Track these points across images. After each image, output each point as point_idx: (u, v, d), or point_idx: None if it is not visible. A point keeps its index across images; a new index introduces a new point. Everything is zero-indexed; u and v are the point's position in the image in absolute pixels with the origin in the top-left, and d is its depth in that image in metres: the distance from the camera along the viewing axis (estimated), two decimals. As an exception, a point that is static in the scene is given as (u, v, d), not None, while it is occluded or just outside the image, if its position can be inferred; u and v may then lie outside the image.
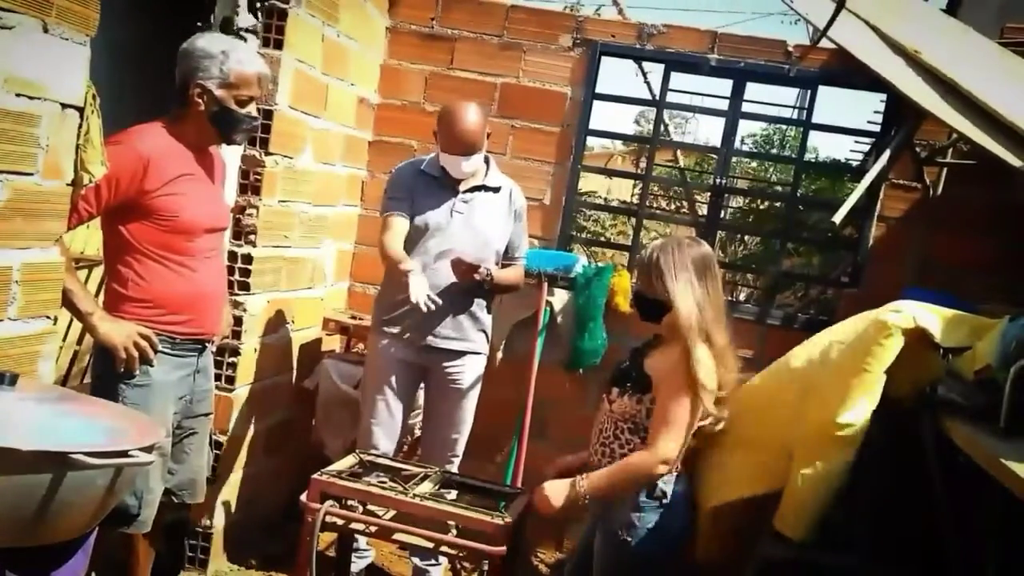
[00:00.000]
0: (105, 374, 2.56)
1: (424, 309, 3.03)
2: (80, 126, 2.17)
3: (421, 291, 3.03)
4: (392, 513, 2.59)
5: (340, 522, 2.58)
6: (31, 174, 2.00)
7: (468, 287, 3.26)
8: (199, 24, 3.17)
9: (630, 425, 2.45)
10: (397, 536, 2.62)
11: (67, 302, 2.36)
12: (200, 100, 2.58)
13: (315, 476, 2.57)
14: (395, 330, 3.34)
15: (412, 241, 3.31)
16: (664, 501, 2.40)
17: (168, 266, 2.57)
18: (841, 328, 2.92)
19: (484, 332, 3.44)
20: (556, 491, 2.41)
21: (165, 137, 2.59)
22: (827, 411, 2.66)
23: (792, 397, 2.86)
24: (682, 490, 2.46)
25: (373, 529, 2.60)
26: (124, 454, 1.74)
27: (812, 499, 2.64)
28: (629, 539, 2.38)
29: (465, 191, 3.32)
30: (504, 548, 2.41)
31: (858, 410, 2.63)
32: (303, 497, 2.54)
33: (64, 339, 3.66)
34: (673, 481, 2.42)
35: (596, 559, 2.47)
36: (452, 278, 3.23)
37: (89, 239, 3.70)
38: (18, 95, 1.92)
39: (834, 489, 2.63)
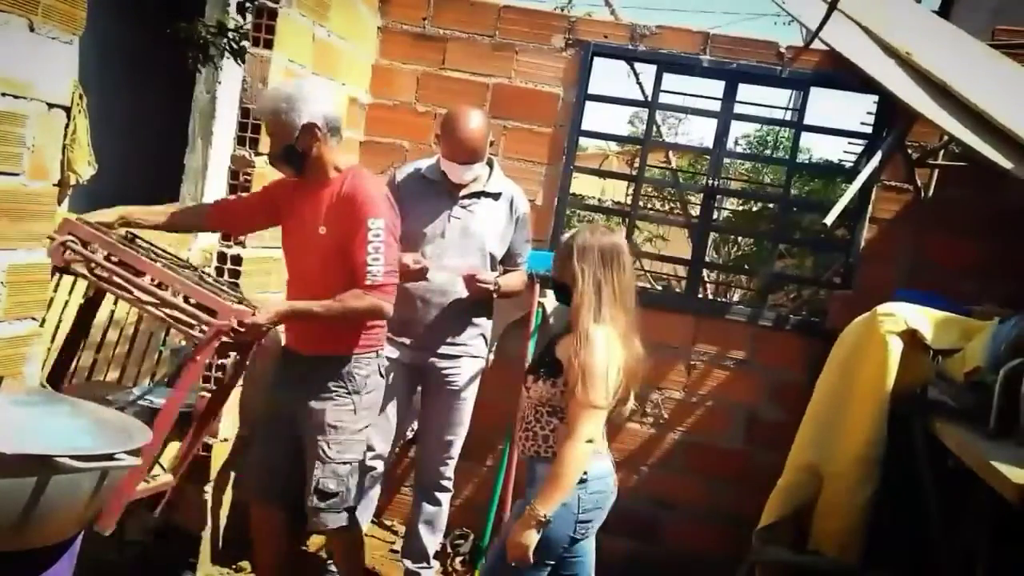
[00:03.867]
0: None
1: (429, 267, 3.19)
2: (67, 126, 2.16)
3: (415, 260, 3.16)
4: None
5: (80, 262, 2.47)
6: (17, 174, 1.98)
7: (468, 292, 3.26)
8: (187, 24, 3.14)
9: (548, 408, 2.51)
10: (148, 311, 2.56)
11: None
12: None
13: (68, 218, 2.52)
14: (394, 333, 3.33)
15: (408, 246, 3.31)
16: (584, 477, 2.44)
17: None
18: (846, 349, 3.01)
19: (483, 336, 3.43)
20: (520, 536, 2.39)
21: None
22: (859, 435, 2.78)
23: (813, 417, 2.99)
24: (599, 471, 2.50)
25: (105, 274, 2.49)
26: (110, 457, 1.73)
27: (861, 520, 2.77)
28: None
29: (464, 197, 3.31)
30: (228, 323, 2.43)
31: (881, 427, 2.72)
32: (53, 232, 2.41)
33: (52, 341, 3.64)
34: (594, 459, 2.47)
35: (505, 527, 2.52)
36: (449, 282, 3.24)
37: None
38: (3, 94, 1.91)
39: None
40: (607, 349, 2.40)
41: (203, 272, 2.92)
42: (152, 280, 2.47)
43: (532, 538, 2.37)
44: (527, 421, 2.57)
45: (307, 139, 2.71)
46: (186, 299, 2.46)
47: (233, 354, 2.94)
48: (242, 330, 2.49)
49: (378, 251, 2.67)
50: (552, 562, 2.51)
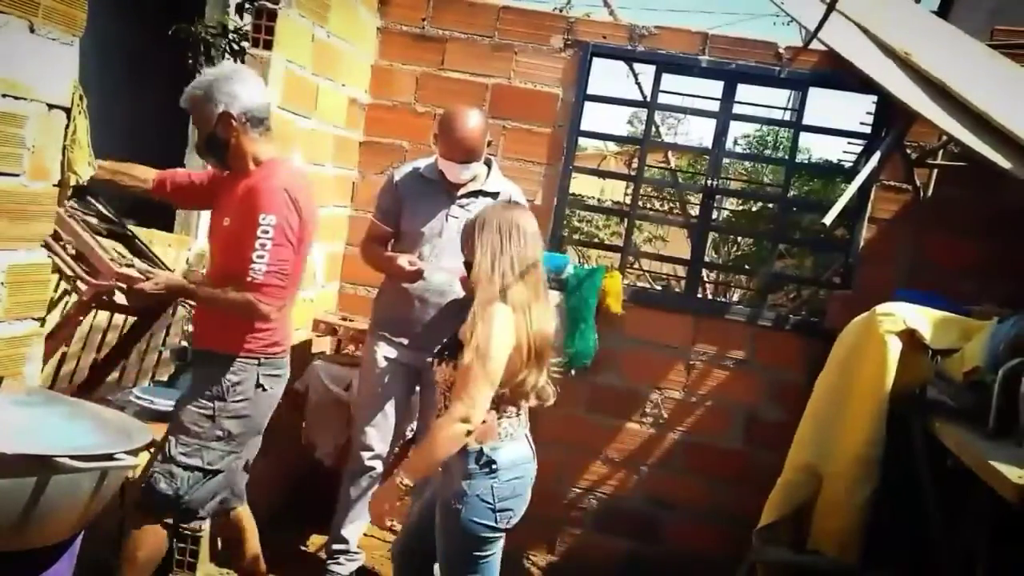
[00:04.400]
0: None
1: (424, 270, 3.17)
2: (67, 127, 2.17)
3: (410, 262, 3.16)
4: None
5: None
6: (17, 175, 1.99)
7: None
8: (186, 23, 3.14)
9: (450, 392, 2.48)
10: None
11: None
12: None
13: None
14: (392, 333, 3.33)
15: (405, 245, 3.31)
16: (493, 467, 2.41)
17: None
18: (845, 348, 3.02)
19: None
20: (382, 496, 2.43)
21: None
22: (858, 434, 2.78)
23: (812, 416, 3.00)
24: (513, 457, 2.46)
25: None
26: (110, 457, 1.73)
27: (860, 520, 2.77)
28: (459, 507, 2.40)
29: (462, 196, 3.31)
30: (108, 283, 2.49)
31: (881, 427, 2.77)
32: None
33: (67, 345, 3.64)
34: (502, 448, 2.44)
35: (436, 531, 2.50)
36: (446, 282, 3.24)
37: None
38: (4, 95, 1.91)
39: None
40: (499, 328, 2.36)
41: (157, 259, 2.98)
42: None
43: (390, 502, 2.39)
44: (438, 407, 2.55)
45: (224, 129, 2.63)
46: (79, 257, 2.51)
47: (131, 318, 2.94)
48: (127, 293, 2.50)
49: (264, 248, 2.55)
50: (487, 553, 2.48)
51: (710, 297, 6.08)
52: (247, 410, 2.72)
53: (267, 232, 2.55)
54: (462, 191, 3.30)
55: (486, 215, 2.52)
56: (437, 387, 2.55)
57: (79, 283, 2.56)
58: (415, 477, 2.39)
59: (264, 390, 2.73)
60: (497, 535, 2.46)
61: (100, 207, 2.87)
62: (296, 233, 2.63)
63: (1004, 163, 2.95)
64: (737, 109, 4.06)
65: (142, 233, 2.98)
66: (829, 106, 5.21)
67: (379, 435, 3.36)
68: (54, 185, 2.14)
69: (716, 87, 4.04)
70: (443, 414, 2.43)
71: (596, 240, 7.40)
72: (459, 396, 2.34)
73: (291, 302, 2.81)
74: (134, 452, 1.78)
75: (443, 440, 2.34)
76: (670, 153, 5.87)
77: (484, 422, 2.38)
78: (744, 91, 4.04)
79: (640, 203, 4.62)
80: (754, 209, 7.27)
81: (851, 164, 4.75)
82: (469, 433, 2.35)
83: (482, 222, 2.49)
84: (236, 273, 2.58)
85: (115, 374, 3.72)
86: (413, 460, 2.41)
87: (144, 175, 2.92)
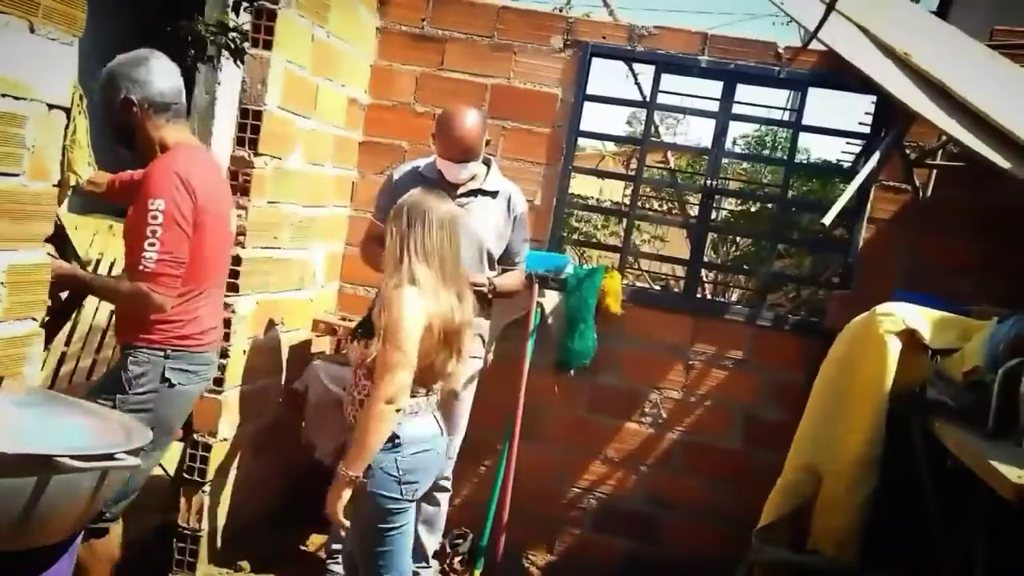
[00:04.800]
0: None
1: None
2: (67, 127, 2.17)
3: None
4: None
5: None
6: (17, 175, 1.99)
7: None
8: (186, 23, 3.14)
9: (364, 371, 2.53)
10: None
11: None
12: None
13: None
14: None
15: None
16: (397, 442, 2.47)
17: None
18: (845, 348, 3.02)
19: (480, 336, 3.43)
20: (333, 494, 2.47)
21: None
22: (858, 434, 2.79)
23: (811, 416, 3.00)
24: (416, 432, 2.52)
25: None
26: (110, 457, 1.73)
27: (859, 519, 2.78)
28: (366, 481, 2.46)
29: (461, 195, 3.31)
30: None
31: (880, 427, 2.78)
32: None
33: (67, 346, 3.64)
34: (406, 423, 2.49)
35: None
36: None
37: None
38: (3, 95, 1.91)
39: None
40: (408, 309, 2.41)
41: (71, 245, 2.91)
42: None
43: (340, 497, 2.44)
44: (352, 387, 2.60)
45: (127, 115, 2.58)
46: None
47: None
48: None
49: (154, 235, 2.45)
50: (403, 523, 2.56)
51: (709, 297, 6.08)
52: (150, 404, 2.58)
53: (156, 218, 2.46)
54: (461, 190, 3.31)
55: (402, 201, 2.58)
56: (353, 366, 2.60)
57: None
58: (359, 468, 2.44)
59: (171, 385, 2.61)
60: (403, 507, 2.54)
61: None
62: (189, 217, 2.53)
63: (1003, 163, 2.96)
64: (736, 109, 4.06)
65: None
66: (828, 106, 5.21)
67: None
68: (54, 185, 2.14)
69: (715, 87, 4.05)
70: (353, 392, 2.54)
71: (594, 240, 7.40)
72: (381, 378, 2.40)
73: (208, 292, 2.70)
74: (134, 452, 1.78)
75: (374, 424, 2.41)
76: (669, 153, 5.88)
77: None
78: (743, 91, 4.04)
79: (639, 203, 4.62)
80: (753, 209, 7.26)
81: (850, 164, 4.75)
82: (398, 411, 2.42)
83: (397, 208, 2.57)
84: (132, 264, 2.52)
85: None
86: (353, 452, 2.46)
87: (101, 180, 2.90)
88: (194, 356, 2.68)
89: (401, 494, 2.51)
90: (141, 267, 2.46)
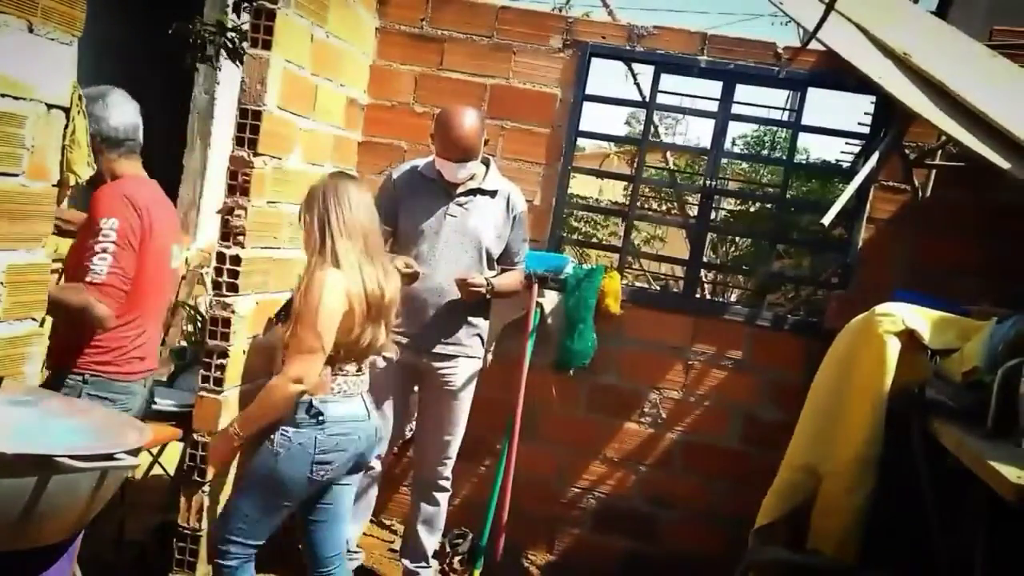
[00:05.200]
0: None
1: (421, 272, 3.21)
2: (66, 127, 2.17)
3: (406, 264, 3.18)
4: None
5: None
6: (16, 175, 1.99)
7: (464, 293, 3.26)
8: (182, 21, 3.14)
9: (285, 351, 2.58)
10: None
11: None
12: None
13: None
14: None
15: (404, 244, 3.31)
16: (321, 419, 2.53)
17: None
18: (844, 348, 3.02)
19: (479, 336, 3.44)
20: (218, 445, 2.61)
21: None
22: (857, 434, 2.79)
23: (810, 416, 3.00)
24: (342, 413, 2.58)
25: None
26: (110, 457, 1.73)
27: (858, 519, 2.79)
28: (279, 452, 2.52)
29: (460, 195, 3.31)
30: None
31: (879, 427, 2.78)
32: None
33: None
34: (332, 403, 2.56)
35: (245, 462, 2.65)
36: (445, 282, 3.24)
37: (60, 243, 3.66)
38: (3, 95, 1.91)
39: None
40: (328, 292, 2.47)
41: None
42: None
43: (223, 449, 2.58)
44: (277, 367, 2.64)
45: None
46: None
47: None
48: None
49: (106, 251, 2.54)
50: (289, 502, 2.61)
51: (708, 297, 6.09)
52: None
53: (109, 236, 2.55)
54: (460, 190, 3.31)
55: (314, 187, 2.63)
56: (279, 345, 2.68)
57: None
58: (248, 431, 2.53)
59: None
60: (301, 485, 2.58)
61: None
62: (138, 237, 2.62)
63: (1003, 163, 2.96)
64: (736, 109, 4.07)
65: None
66: (828, 106, 5.22)
67: (378, 435, 3.37)
68: (53, 185, 2.14)
69: (715, 87, 4.05)
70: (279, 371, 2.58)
71: (594, 240, 7.41)
72: (292, 358, 2.47)
73: (139, 323, 2.72)
74: (134, 452, 1.78)
75: (276, 398, 2.49)
76: (669, 153, 5.88)
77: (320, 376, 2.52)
78: (743, 91, 4.04)
79: (639, 203, 4.62)
80: (752, 209, 7.28)
81: (849, 164, 4.76)
82: (303, 393, 2.49)
83: (309, 192, 2.62)
84: (78, 279, 2.56)
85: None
86: (248, 413, 2.54)
87: (76, 218, 2.93)
88: (114, 384, 2.70)
89: (311, 472, 2.55)
90: (90, 279, 2.52)
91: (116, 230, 2.55)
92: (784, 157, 6.10)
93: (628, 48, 4.05)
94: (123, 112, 2.77)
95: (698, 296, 5.02)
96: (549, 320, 3.92)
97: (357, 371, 2.63)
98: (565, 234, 4.94)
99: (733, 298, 6.81)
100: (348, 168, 4.17)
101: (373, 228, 2.63)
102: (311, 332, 2.45)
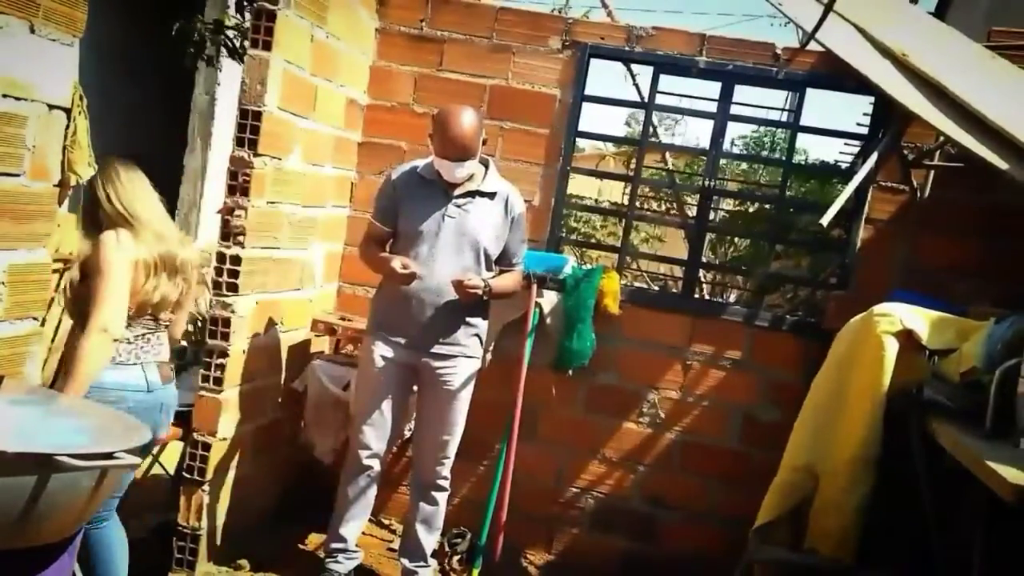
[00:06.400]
0: None
1: (419, 273, 3.19)
2: (67, 127, 2.17)
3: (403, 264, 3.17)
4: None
5: None
6: (18, 175, 1.99)
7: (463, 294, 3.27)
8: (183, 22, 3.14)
9: (74, 307, 2.65)
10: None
11: None
12: None
13: None
14: (389, 332, 3.34)
15: (403, 245, 3.32)
16: (91, 386, 2.53)
17: None
18: (842, 349, 3.02)
19: (478, 336, 3.44)
20: None
21: None
22: (855, 434, 2.80)
23: (809, 416, 3.01)
24: (113, 379, 2.60)
25: None
26: (109, 456, 1.73)
27: (856, 519, 2.80)
28: None
29: (459, 196, 3.32)
30: None
31: (877, 427, 2.79)
32: None
33: (52, 341, 3.64)
34: (108, 369, 2.57)
35: None
36: (444, 282, 3.24)
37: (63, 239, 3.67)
38: (4, 96, 1.92)
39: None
40: (111, 248, 2.55)
41: None
42: None
43: None
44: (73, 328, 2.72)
45: None
46: None
47: None
48: None
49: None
50: None
51: (707, 297, 6.09)
52: None
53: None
54: (459, 191, 3.31)
55: (108, 165, 2.70)
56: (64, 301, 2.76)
57: None
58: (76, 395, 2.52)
59: None
60: None
61: None
62: None
63: (1001, 164, 2.96)
64: (734, 110, 4.07)
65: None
66: (826, 107, 5.23)
67: (377, 434, 3.37)
68: (54, 185, 2.15)
69: (713, 88, 4.05)
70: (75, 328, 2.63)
71: (593, 240, 7.41)
72: (94, 312, 2.50)
73: None
74: (134, 451, 1.79)
75: (91, 353, 2.48)
76: (668, 154, 5.88)
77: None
78: (741, 92, 4.05)
79: (638, 204, 4.63)
80: (751, 210, 7.27)
81: (848, 165, 4.76)
82: (116, 341, 2.54)
83: (109, 172, 2.67)
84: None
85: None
86: (68, 382, 2.50)
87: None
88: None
89: None
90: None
91: None
92: (783, 157, 6.09)
93: (627, 49, 4.05)
94: None
95: (697, 296, 5.03)
96: (548, 320, 3.93)
97: (144, 336, 2.70)
98: (564, 234, 4.95)
99: (732, 298, 6.81)
100: (347, 169, 4.18)
101: (152, 195, 2.76)
102: (106, 283, 2.53)
